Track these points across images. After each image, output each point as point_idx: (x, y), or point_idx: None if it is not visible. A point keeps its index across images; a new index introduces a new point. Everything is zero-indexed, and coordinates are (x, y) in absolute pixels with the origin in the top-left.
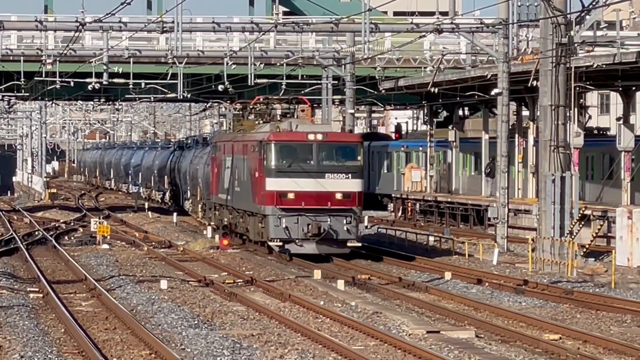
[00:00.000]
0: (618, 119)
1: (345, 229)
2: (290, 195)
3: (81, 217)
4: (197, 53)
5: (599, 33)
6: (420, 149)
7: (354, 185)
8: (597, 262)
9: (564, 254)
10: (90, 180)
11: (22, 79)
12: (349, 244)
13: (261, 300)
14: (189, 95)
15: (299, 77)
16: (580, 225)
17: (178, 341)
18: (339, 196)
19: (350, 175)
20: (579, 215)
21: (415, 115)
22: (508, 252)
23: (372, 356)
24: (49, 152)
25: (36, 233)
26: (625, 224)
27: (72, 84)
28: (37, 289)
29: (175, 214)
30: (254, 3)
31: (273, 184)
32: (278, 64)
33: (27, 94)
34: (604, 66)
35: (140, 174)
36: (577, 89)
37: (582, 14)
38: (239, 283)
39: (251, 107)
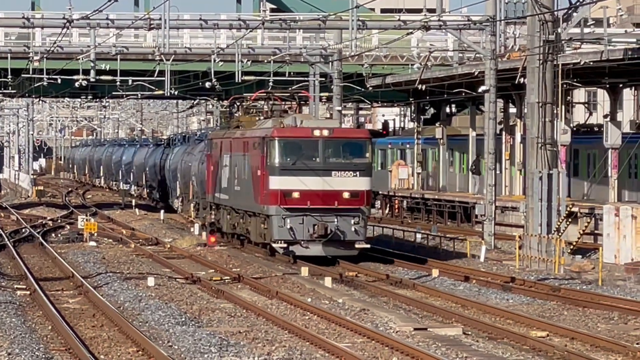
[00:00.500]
0: (605, 116)
1: (353, 229)
2: (295, 195)
3: (68, 215)
4: (184, 50)
5: (586, 30)
6: (408, 146)
7: (363, 183)
8: (584, 259)
9: (551, 251)
10: (80, 178)
11: (9, 76)
12: (357, 246)
13: (248, 297)
14: (176, 92)
15: (287, 74)
16: (568, 223)
17: (165, 338)
18: (346, 195)
19: (358, 173)
20: (566, 212)
21: (402, 113)
22: (495, 249)
23: (360, 353)
24: (36, 150)
25: (23, 230)
26: (612, 221)
27: (59, 81)
28: (24, 286)
29: (162, 211)
30: (241, 0)
31: (277, 183)
32: (265, 61)
33: (14, 91)
34: (591, 63)
35: (132, 172)
36: (565, 86)
37: (570, 11)
38: (226, 280)
39: (251, 102)
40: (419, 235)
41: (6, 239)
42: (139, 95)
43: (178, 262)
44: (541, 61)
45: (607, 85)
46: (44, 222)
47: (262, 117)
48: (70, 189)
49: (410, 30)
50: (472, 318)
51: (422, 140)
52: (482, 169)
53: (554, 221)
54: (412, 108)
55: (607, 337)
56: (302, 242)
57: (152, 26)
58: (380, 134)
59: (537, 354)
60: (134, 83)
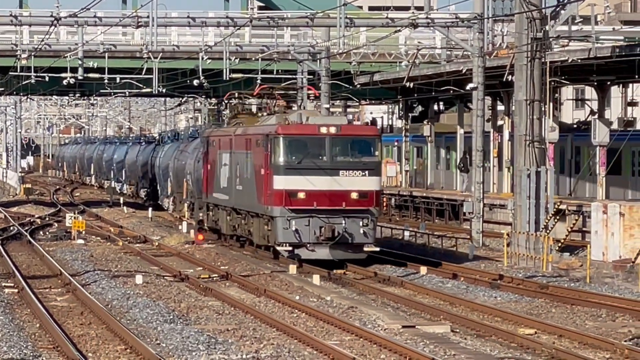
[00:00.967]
0: (593, 113)
1: (361, 231)
2: (301, 195)
3: (56, 212)
4: (172, 48)
5: (574, 28)
6: (396, 143)
7: (372, 183)
8: (572, 256)
9: (539, 249)
10: (70, 176)
11: None
12: (365, 249)
13: (236, 295)
14: (164, 90)
15: (274, 72)
16: (556, 220)
17: (153, 336)
18: (354, 196)
19: (367, 172)
20: (554, 209)
21: (390, 110)
22: (483, 246)
23: (348, 351)
24: (24, 147)
25: (11, 228)
26: (600, 218)
27: (47, 78)
28: (12, 284)
29: (150, 209)
30: None
31: (282, 182)
32: (253, 58)
33: (2, 89)
34: (579, 61)
35: (124, 170)
36: (552, 83)
37: (557, 9)
38: (214, 278)
39: (254, 97)
40: (407, 233)
41: None
42: (127, 92)
43: (166, 259)
44: (529, 59)
45: (595, 83)
46: (32, 220)
47: (264, 114)
48: (58, 187)
49: (398, 28)
50: (460, 315)
51: (411, 137)
52: (471, 166)
53: (542, 218)
54: (400, 105)
55: (594, 334)
56: (308, 245)
57: (139, 24)
58: None
59: (525, 352)
60: (122, 81)
